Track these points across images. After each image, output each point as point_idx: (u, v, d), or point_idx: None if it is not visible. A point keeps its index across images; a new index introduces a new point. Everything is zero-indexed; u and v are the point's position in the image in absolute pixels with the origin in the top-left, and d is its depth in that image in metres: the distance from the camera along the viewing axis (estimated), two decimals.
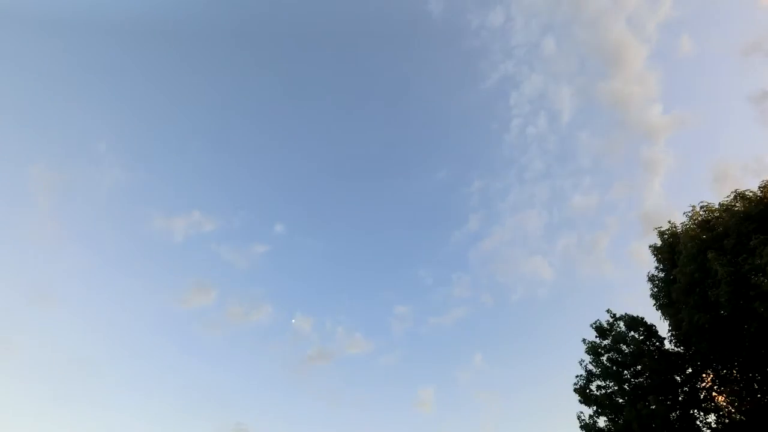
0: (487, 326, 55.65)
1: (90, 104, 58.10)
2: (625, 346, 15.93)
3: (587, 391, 15.83)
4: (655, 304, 16.78)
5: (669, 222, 16.34)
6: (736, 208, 13.72)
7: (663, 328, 16.42)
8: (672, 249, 15.64)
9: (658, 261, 16.53)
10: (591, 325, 16.60)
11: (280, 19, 59.05)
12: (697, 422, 14.44)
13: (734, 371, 14.37)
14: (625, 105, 54.82)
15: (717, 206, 14.69)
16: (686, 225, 15.30)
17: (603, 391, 15.65)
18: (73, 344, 48.94)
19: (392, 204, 65.13)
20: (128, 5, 51.68)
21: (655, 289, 16.71)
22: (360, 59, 62.94)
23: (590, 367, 16.18)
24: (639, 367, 15.27)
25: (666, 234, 16.18)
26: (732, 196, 14.21)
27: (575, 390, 16.18)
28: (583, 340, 16.50)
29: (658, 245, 16.45)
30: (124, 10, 51.32)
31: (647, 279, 16.97)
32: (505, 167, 61.28)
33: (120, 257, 57.38)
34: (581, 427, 15.64)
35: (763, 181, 13.93)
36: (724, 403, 14.46)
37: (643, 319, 16.51)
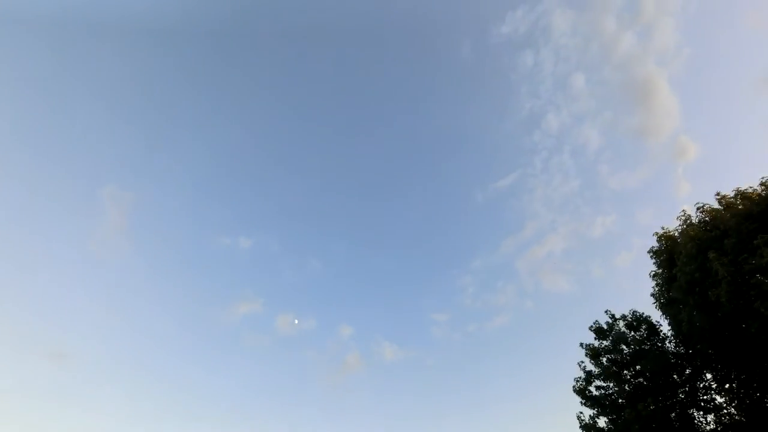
0: (522, 334, 56.85)
1: (160, 123, 59.76)
2: (625, 347, 15.83)
3: (587, 392, 15.75)
4: (655, 303, 16.67)
5: (663, 228, 16.23)
6: (739, 207, 13.51)
7: (664, 327, 16.34)
8: (670, 251, 15.52)
9: (657, 265, 16.42)
10: (590, 328, 16.45)
11: (342, 51, 61.89)
12: (697, 422, 14.37)
13: (734, 371, 14.27)
14: (651, 136, 57.19)
15: (716, 206, 14.49)
16: (683, 227, 15.10)
17: (603, 392, 15.58)
18: (124, 348, 50.33)
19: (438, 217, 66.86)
20: (199, 16, 51.59)
21: (656, 288, 16.60)
22: (397, 93, 65.26)
23: (589, 368, 16.09)
24: (639, 368, 15.18)
25: (664, 238, 16.04)
26: (734, 194, 13.99)
27: (575, 391, 16.10)
28: (581, 344, 16.38)
29: (656, 249, 16.34)
30: (197, 23, 51.43)
31: (649, 276, 16.82)
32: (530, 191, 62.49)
33: (177, 270, 59.59)
34: (581, 427, 15.59)
35: (763, 177, 13.54)
36: (724, 403, 14.38)
37: (648, 316, 16.35)
